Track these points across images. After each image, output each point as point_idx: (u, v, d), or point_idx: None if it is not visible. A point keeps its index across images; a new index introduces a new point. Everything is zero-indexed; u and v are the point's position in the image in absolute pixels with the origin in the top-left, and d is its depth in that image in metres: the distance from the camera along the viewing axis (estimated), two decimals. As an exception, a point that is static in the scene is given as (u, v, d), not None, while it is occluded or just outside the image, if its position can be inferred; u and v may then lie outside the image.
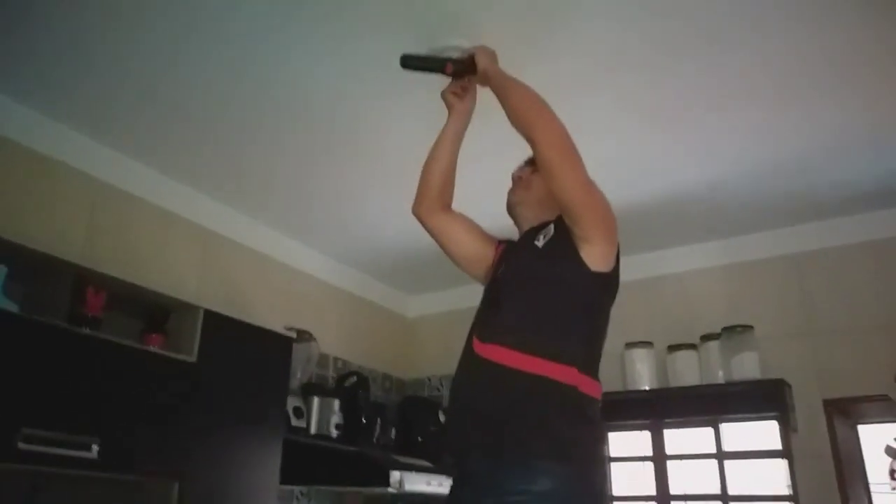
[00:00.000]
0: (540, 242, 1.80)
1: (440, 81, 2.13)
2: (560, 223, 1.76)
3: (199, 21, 2.11)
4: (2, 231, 2.17)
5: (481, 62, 1.94)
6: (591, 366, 1.68)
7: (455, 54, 2.05)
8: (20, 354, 2.09)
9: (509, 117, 1.81)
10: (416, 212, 2.09)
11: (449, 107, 2.10)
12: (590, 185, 1.72)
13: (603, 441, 1.79)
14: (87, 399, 2.22)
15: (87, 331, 2.31)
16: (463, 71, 2.00)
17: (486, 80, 1.95)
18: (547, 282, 1.73)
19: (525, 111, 1.77)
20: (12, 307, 2.16)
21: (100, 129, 2.72)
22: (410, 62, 2.05)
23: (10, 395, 2.03)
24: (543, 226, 1.84)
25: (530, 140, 1.74)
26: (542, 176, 1.78)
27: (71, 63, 2.31)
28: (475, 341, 1.73)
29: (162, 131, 2.71)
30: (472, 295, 4.14)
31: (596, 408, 1.67)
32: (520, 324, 1.69)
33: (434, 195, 2.05)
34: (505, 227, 2.02)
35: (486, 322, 1.77)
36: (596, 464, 1.68)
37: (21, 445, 1.99)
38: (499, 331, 1.70)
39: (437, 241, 2.10)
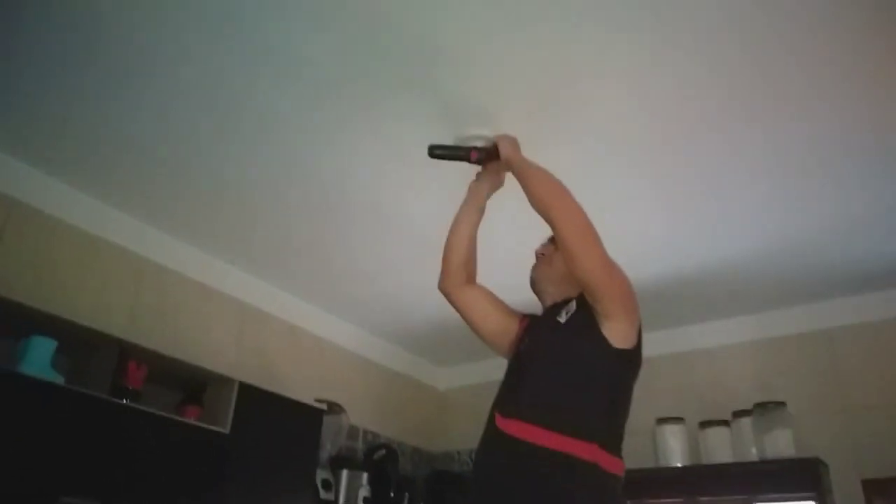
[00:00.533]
0: (563, 318, 1.83)
1: (470, 166, 2.25)
2: (582, 300, 1.80)
3: (238, 105, 2.27)
4: (52, 306, 2.30)
5: (503, 149, 2.05)
6: (613, 442, 1.68)
7: (480, 143, 2.17)
8: (64, 424, 2.18)
9: (530, 201, 1.89)
10: (442, 287, 2.16)
11: (469, 187, 2.20)
12: (609, 265, 1.77)
13: None
14: (124, 468, 2.29)
15: (127, 402, 2.39)
16: (486, 158, 2.11)
17: (509, 167, 2.04)
18: (569, 358, 1.76)
19: (545, 195, 1.85)
20: (59, 379, 2.26)
21: (144, 210, 2.89)
22: (437, 152, 2.17)
23: (52, 463, 2.12)
24: (566, 302, 1.88)
25: (550, 222, 1.81)
26: (562, 254, 1.84)
27: (115, 146, 2.49)
28: (497, 416, 1.76)
29: (202, 210, 2.87)
30: (502, 368, 4.17)
31: (617, 485, 1.66)
32: (542, 399, 1.71)
33: (457, 270, 2.12)
34: (527, 300, 2.07)
35: (508, 397, 1.80)
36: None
37: (60, 514, 2.06)
38: (521, 406, 1.72)
39: (462, 315, 2.15)
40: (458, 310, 2.16)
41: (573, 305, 1.84)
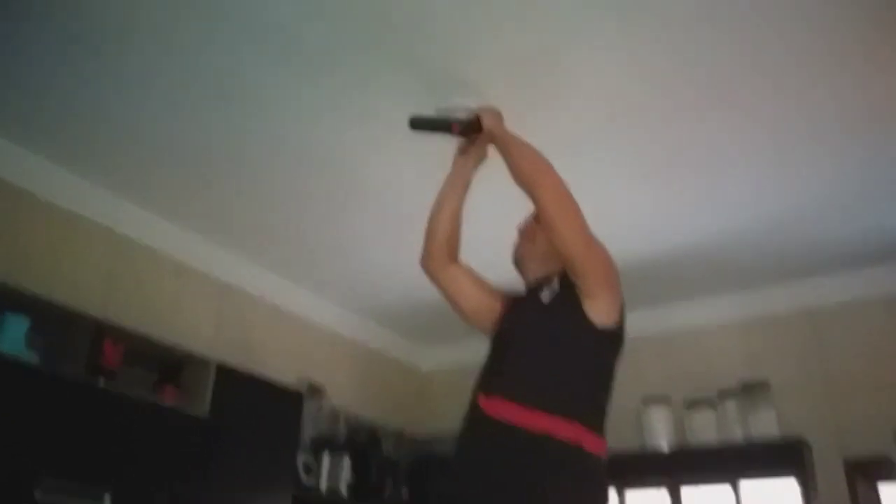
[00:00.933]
0: (545, 298, 1.81)
1: (453, 142, 2.20)
2: (565, 278, 1.78)
3: (220, 82, 2.20)
4: (24, 283, 2.23)
5: (486, 122, 2.00)
6: (595, 422, 1.67)
7: (462, 115, 2.12)
8: (39, 405, 2.12)
9: (512, 174, 1.86)
10: (424, 264, 2.11)
11: (453, 161, 2.15)
12: (590, 239, 1.74)
13: (605, 499, 1.77)
14: (101, 450, 2.24)
15: (103, 383, 2.33)
16: (469, 130, 2.06)
17: (491, 139, 2.00)
18: (551, 337, 1.74)
19: (527, 169, 1.81)
20: (33, 358, 2.19)
21: (119, 185, 2.81)
22: (419, 123, 2.12)
23: (30, 445, 2.05)
24: (548, 280, 1.86)
25: (532, 196, 1.78)
26: (544, 230, 1.81)
27: (93, 120, 2.41)
28: (479, 396, 1.73)
29: (179, 186, 2.80)
30: (486, 348, 4.13)
31: (600, 466, 1.64)
32: (524, 378, 1.69)
33: (440, 247, 2.07)
34: (509, 278, 2.04)
35: (491, 376, 1.77)
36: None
37: (38, 495, 2.00)
38: (503, 385, 1.69)
39: (444, 293, 2.11)
40: (439, 287, 2.12)
41: (556, 285, 1.81)
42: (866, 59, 2.05)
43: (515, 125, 2.25)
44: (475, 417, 1.70)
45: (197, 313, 3.16)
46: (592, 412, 1.66)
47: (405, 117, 2.23)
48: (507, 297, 2.02)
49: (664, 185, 2.70)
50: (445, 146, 2.31)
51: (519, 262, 2.01)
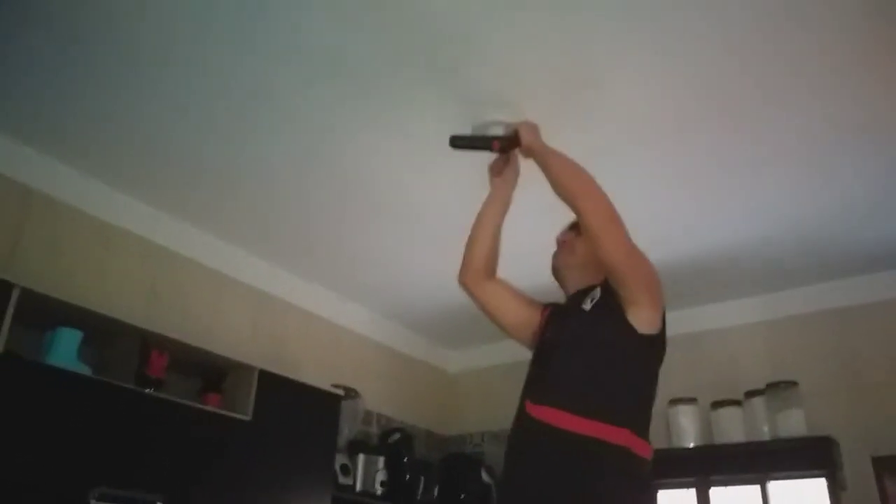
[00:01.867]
0: (587, 306, 1.84)
1: (482, 154, 2.26)
2: (606, 287, 1.81)
3: (258, 94, 2.28)
4: (71, 297, 2.32)
5: (525, 137, 2.04)
6: (642, 427, 1.71)
7: (500, 130, 2.17)
8: (92, 415, 2.21)
9: (553, 187, 1.89)
10: (462, 282, 2.14)
11: (491, 180, 2.19)
12: (633, 250, 1.78)
13: (652, 501, 1.81)
14: (151, 457, 2.33)
15: (152, 391, 2.42)
16: (508, 147, 2.11)
17: (531, 154, 2.04)
18: (596, 345, 1.77)
19: (568, 181, 1.85)
20: (86, 370, 2.28)
21: (160, 198, 2.90)
22: (459, 142, 2.16)
23: (84, 455, 2.14)
24: (590, 289, 1.90)
25: (574, 208, 1.82)
26: (588, 241, 1.85)
27: (133, 135, 2.50)
28: (528, 403, 1.78)
29: (218, 200, 2.89)
30: (512, 350, 4.18)
31: (648, 469, 1.69)
32: (572, 386, 1.73)
33: (479, 265, 2.11)
34: (547, 285, 2.09)
35: (538, 384, 1.81)
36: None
37: (92, 503, 2.09)
38: (551, 393, 1.74)
39: (483, 309, 2.15)
40: (478, 304, 2.15)
41: (597, 293, 1.84)
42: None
43: (556, 135, 2.31)
44: (526, 423, 1.75)
45: (234, 321, 3.25)
46: (639, 418, 1.71)
47: (439, 132, 2.30)
48: (546, 306, 2.07)
49: (696, 192, 2.75)
50: (478, 161, 2.37)
51: (558, 271, 2.05)
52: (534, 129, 2.07)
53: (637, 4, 1.88)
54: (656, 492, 1.84)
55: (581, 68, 2.13)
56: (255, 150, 2.56)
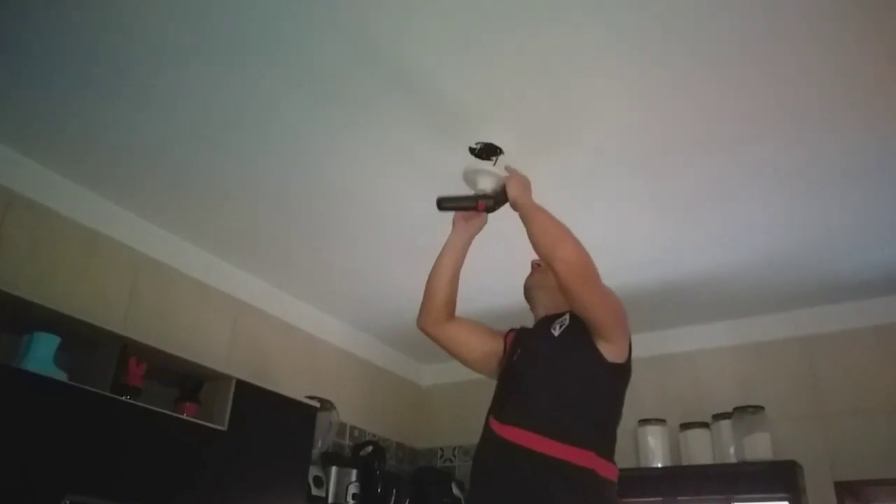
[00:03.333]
0: (556, 331, 1.88)
1: (457, 168, 2.30)
2: (575, 315, 1.86)
3: (240, 104, 2.29)
4: (51, 301, 2.30)
5: (512, 191, 2.02)
6: (607, 449, 1.76)
7: (489, 183, 2.14)
8: (67, 422, 2.19)
9: (532, 243, 1.89)
10: (422, 326, 2.14)
11: (455, 223, 2.18)
12: (606, 295, 1.81)
13: None
14: (126, 465, 2.31)
15: (128, 399, 2.40)
16: (495, 207, 2.11)
17: (516, 208, 2.01)
18: (564, 371, 1.81)
19: (547, 241, 1.84)
20: (62, 376, 2.26)
21: (142, 205, 2.89)
22: (446, 204, 2.13)
23: (58, 460, 2.12)
24: (559, 315, 1.94)
25: (551, 268, 1.81)
26: (564, 297, 1.86)
27: (116, 141, 2.49)
28: (493, 421, 1.81)
29: (199, 208, 2.88)
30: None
31: (613, 490, 1.74)
32: (538, 408, 1.77)
33: (439, 308, 2.11)
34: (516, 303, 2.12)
35: (504, 405, 1.84)
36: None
37: (66, 512, 2.07)
38: (518, 414, 1.78)
39: (445, 349, 2.15)
40: (441, 345, 2.15)
41: (566, 319, 1.89)
42: (871, 101, 2.14)
43: (527, 155, 2.35)
44: (492, 442, 1.79)
45: (213, 331, 3.24)
46: (604, 441, 1.76)
47: (420, 146, 2.35)
48: (509, 332, 2.10)
49: (669, 218, 2.82)
50: (451, 182, 2.41)
51: (529, 291, 2.10)
52: (523, 183, 2.05)
53: (615, 30, 1.91)
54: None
55: (558, 92, 2.17)
56: (239, 161, 2.57)
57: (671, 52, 1.99)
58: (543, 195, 2.65)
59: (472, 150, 2.40)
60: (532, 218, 1.92)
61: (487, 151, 2.39)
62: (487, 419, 1.85)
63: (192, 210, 2.90)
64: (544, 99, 2.20)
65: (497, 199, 2.09)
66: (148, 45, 2.03)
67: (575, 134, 2.36)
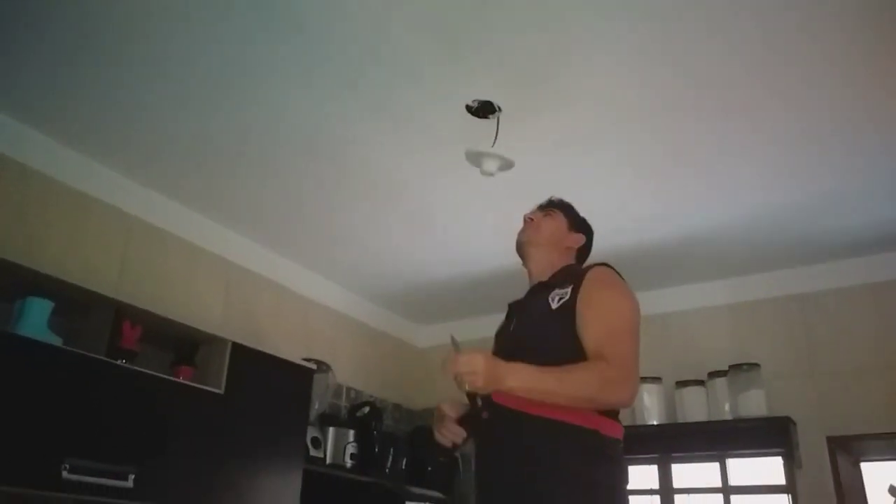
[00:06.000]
0: (554, 304, 1.82)
1: (459, 138, 2.25)
2: (577, 287, 1.79)
3: (231, 62, 2.24)
4: (43, 266, 2.27)
5: (507, 383, 1.59)
6: (610, 409, 1.75)
7: (493, 166, 2.10)
8: (63, 386, 2.17)
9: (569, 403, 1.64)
10: None
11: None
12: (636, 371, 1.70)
13: (625, 480, 1.85)
14: (124, 429, 2.31)
15: (124, 363, 2.39)
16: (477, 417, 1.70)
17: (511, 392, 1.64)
18: (562, 341, 1.76)
19: (581, 397, 1.62)
20: (56, 341, 2.24)
21: (133, 167, 2.84)
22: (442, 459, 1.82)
23: (55, 425, 2.12)
24: (558, 285, 1.88)
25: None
26: (561, 235, 1.86)
27: (110, 106, 2.44)
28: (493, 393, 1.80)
29: (191, 169, 2.84)
30: (480, 326, 4.25)
31: (618, 448, 1.73)
32: None
33: None
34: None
35: None
36: (618, 503, 1.73)
37: (65, 475, 2.07)
38: None
39: None
40: None
41: (567, 293, 1.81)
42: (865, 65, 2.13)
43: (518, 121, 2.31)
44: (492, 410, 1.77)
45: (207, 293, 3.22)
46: None
47: (416, 110, 2.34)
48: (508, 309, 2.05)
49: (664, 182, 2.82)
50: (458, 141, 2.38)
51: (522, 247, 2.05)
52: (488, 369, 1.55)
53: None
54: (627, 470, 1.87)
55: (553, 54, 2.13)
56: (231, 122, 2.53)
57: (667, 14, 1.96)
58: (539, 156, 2.64)
59: (468, 109, 2.36)
60: (535, 394, 1.62)
61: (484, 109, 2.35)
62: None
63: (184, 171, 2.85)
64: (535, 61, 2.16)
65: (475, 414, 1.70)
66: (137, 6, 1.97)
67: (570, 94, 2.32)
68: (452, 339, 1.69)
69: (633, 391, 1.64)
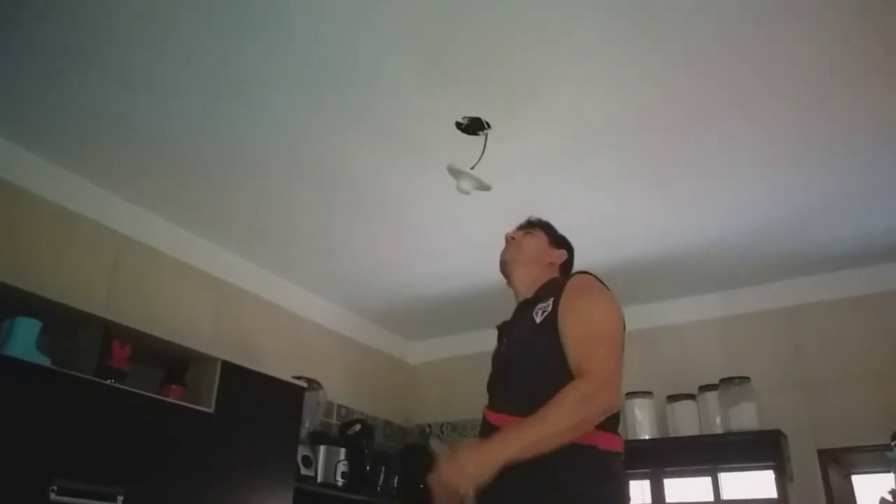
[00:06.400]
0: (538, 318, 1.82)
1: (448, 149, 2.25)
2: (558, 300, 1.79)
3: (216, 79, 2.25)
4: (29, 284, 2.25)
5: (482, 477, 1.53)
6: (608, 421, 1.74)
7: (469, 186, 2.21)
8: (52, 407, 2.15)
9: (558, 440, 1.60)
10: None
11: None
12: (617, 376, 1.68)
13: (625, 495, 1.84)
14: (112, 449, 2.28)
15: (113, 383, 2.37)
16: None
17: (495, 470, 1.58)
18: (551, 354, 1.75)
19: (562, 427, 1.59)
20: (45, 361, 2.22)
21: (121, 185, 2.84)
22: None
23: (43, 446, 2.09)
24: (540, 299, 1.88)
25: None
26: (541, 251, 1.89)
27: (97, 122, 2.44)
28: (487, 412, 1.80)
29: (179, 186, 2.84)
30: (471, 342, 4.24)
31: (617, 461, 1.72)
32: (529, 392, 1.70)
33: None
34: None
35: (496, 394, 1.84)
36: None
37: (53, 497, 2.04)
38: (510, 400, 1.75)
39: None
40: None
41: (549, 305, 1.81)
42: (866, 70, 2.14)
43: (517, 134, 2.32)
44: (489, 431, 1.77)
45: (196, 311, 3.20)
46: None
47: (404, 124, 2.33)
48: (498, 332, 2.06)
49: (654, 196, 2.84)
50: (442, 155, 2.39)
51: (505, 266, 2.06)
52: (472, 469, 1.53)
53: (606, 3, 1.89)
54: (628, 484, 1.86)
55: (541, 70, 2.15)
56: (220, 138, 2.53)
57: (656, 27, 1.98)
58: (529, 171, 2.66)
59: (458, 125, 2.38)
60: (527, 451, 1.58)
61: (474, 126, 2.37)
62: (484, 413, 1.84)
63: (171, 188, 2.85)
64: (527, 74, 2.18)
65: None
66: (120, 16, 1.97)
67: (559, 110, 2.34)
68: (431, 445, 1.63)
69: (613, 396, 1.61)
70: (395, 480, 3.78)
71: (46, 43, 2.07)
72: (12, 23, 1.98)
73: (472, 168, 2.36)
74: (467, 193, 2.37)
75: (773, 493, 3.22)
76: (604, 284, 1.85)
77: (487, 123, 2.36)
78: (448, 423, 4.24)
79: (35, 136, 2.54)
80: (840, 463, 3.22)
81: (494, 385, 1.88)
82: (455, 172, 2.31)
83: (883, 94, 2.24)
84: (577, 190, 2.78)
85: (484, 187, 2.36)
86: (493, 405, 1.80)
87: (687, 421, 3.38)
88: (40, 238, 2.65)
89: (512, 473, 1.67)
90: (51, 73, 2.20)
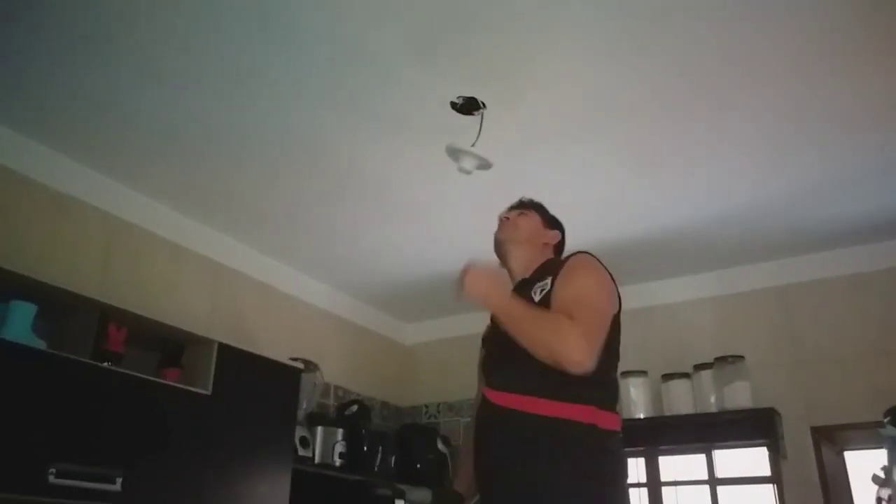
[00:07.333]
0: (537, 296, 1.83)
1: (445, 133, 2.25)
2: (555, 279, 1.80)
3: (216, 60, 2.23)
4: (25, 268, 2.25)
5: (476, 291, 1.76)
6: (607, 400, 1.74)
7: (470, 164, 2.19)
8: (50, 392, 2.16)
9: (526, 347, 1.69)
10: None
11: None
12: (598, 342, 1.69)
13: (625, 473, 1.86)
14: (110, 432, 2.29)
15: (109, 366, 2.37)
16: None
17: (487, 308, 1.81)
18: None
19: (538, 348, 1.67)
20: (40, 344, 2.22)
21: (114, 167, 2.82)
22: None
23: (41, 429, 2.10)
24: (538, 279, 1.89)
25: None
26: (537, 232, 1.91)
27: (91, 105, 2.42)
28: (488, 391, 1.81)
29: (174, 169, 2.82)
30: (466, 323, 4.26)
31: (616, 440, 1.72)
32: (530, 370, 1.71)
33: None
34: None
35: (498, 374, 1.83)
36: (619, 496, 1.73)
37: (52, 480, 2.05)
38: (511, 378, 1.76)
39: None
40: None
41: (547, 284, 1.82)
42: (854, 54, 2.14)
43: (510, 121, 2.31)
44: (489, 412, 1.78)
45: (192, 294, 3.20)
46: (602, 392, 1.73)
47: (399, 107, 2.33)
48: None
49: (648, 175, 2.83)
50: (443, 136, 2.38)
51: (500, 246, 2.05)
52: (485, 280, 1.78)
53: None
54: (627, 462, 1.87)
55: (537, 47, 2.14)
56: (215, 122, 2.51)
57: (650, 8, 1.97)
58: (524, 150, 2.65)
59: (453, 105, 2.36)
60: (508, 323, 1.73)
61: (469, 106, 2.36)
62: (483, 392, 1.85)
63: (166, 171, 2.84)
64: (522, 51, 2.16)
65: None
66: (126, 7, 1.96)
67: (554, 89, 2.33)
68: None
69: (587, 354, 1.59)
70: (392, 460, 3.80)
71: (43, 25, 2.04)
72: (7, 4, 1.96)
73: (472, 146, 2.33)
74: (469, 173, 2.33)
75: (766, 471, 3.27)
76: (602, 265, 1.85)
77: (483, 103, 2.35)
78: (444, 403, 4.26)
79: (30, 120, 2.52)
80: (833, 440, 3.25)
81: (494, 365, 1.88)
82: (454, 152, 2.28)
83: (872, 80, 2.25)
84: (573, 169, 2.77)
85: (486, 165, 2.33)
86: (495, 384, 1.80)
87: (681, 399, 3.40)
88: (36, 221, 2.64)
89: (512, 451, 1.69)
90: (48, 57, 2.18)
